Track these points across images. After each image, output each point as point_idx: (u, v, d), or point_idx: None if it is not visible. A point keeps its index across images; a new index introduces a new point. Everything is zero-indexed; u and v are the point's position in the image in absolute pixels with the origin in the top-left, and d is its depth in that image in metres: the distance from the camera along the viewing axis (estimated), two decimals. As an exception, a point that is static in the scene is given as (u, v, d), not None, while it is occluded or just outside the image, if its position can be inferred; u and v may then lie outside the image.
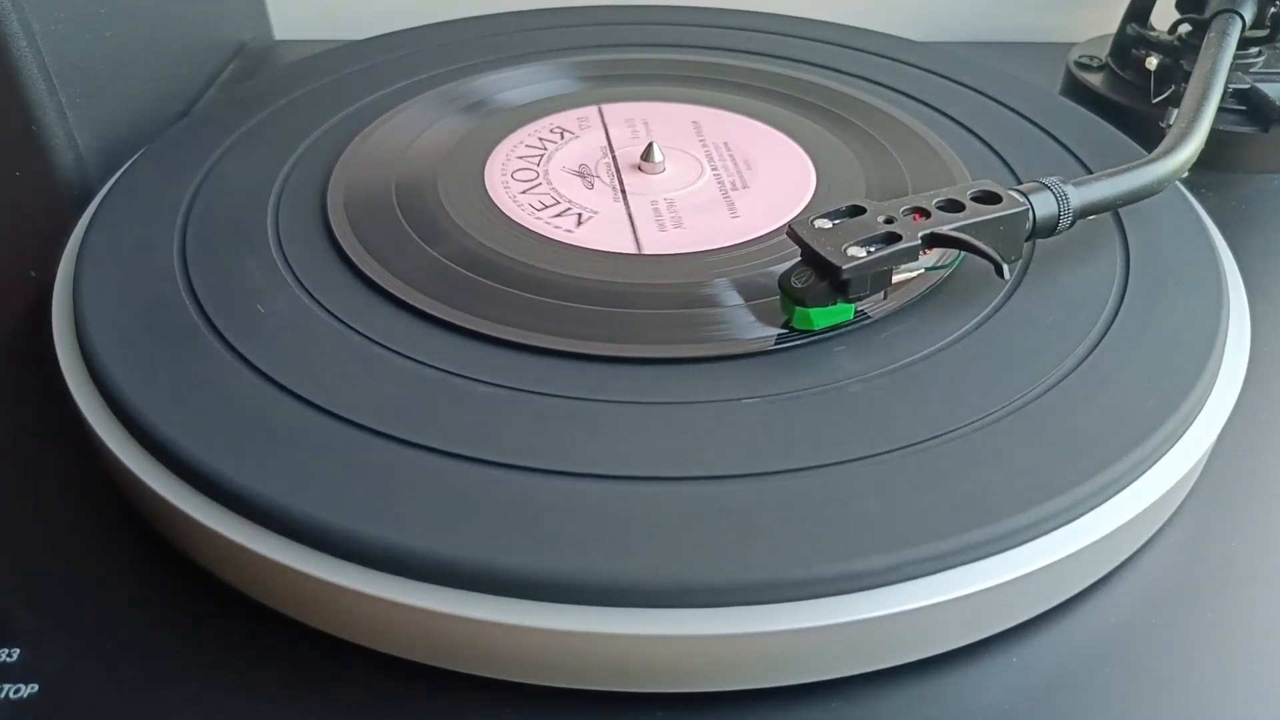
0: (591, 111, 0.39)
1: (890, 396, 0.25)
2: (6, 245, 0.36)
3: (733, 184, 0.34)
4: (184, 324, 0.27)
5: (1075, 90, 0.45)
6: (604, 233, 0.31)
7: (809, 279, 0.26)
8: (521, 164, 0.35)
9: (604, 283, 0.29)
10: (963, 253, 0.28)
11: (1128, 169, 0.30)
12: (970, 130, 0.38)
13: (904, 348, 0.27)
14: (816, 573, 0.21)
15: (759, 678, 0.22)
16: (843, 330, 0.27)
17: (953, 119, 0.39)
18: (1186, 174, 0.32)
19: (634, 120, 0.38)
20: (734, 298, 0.28)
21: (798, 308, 0.27)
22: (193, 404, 0.25)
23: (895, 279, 0.27)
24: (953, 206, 0.27)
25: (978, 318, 0.28)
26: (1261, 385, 0.29)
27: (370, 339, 0.27)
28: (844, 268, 0.25)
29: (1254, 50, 0.42)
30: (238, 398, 0.25)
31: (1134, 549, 0.25)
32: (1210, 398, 0.26)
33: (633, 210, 0.33)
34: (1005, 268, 0.26)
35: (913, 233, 0.26)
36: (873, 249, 0.26)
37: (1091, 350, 0.27)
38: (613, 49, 0.44)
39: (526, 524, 0.22)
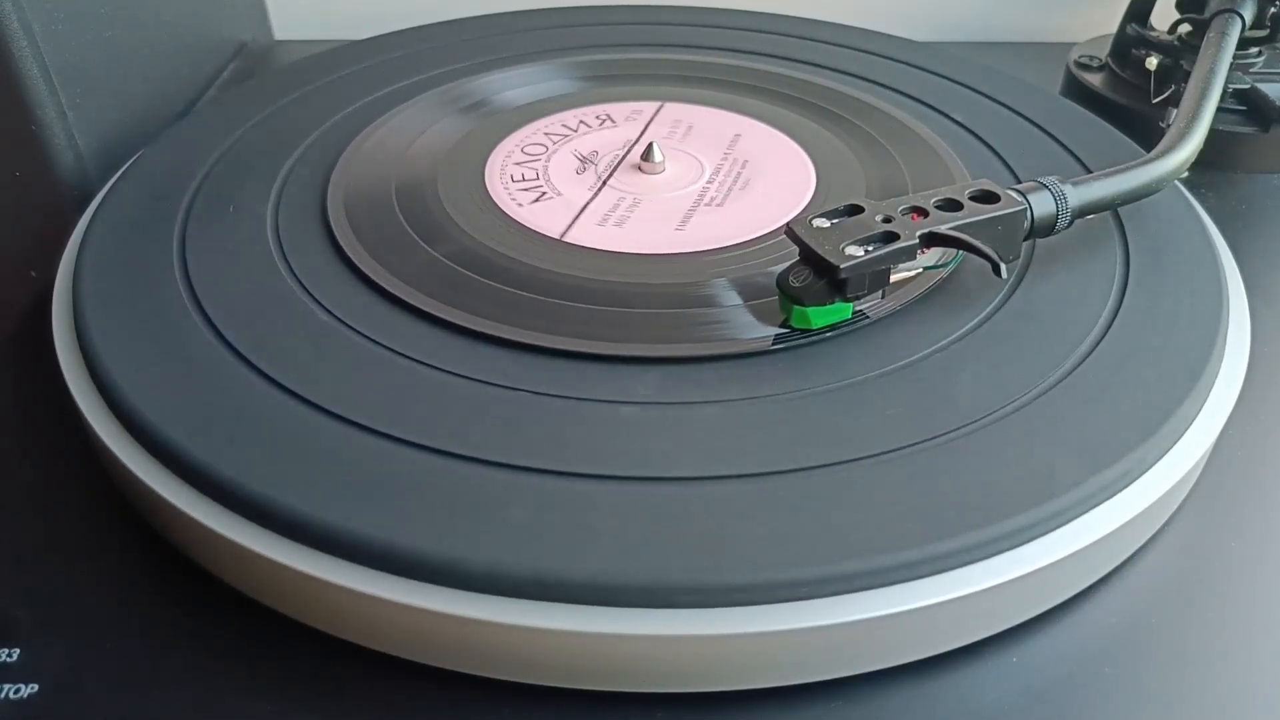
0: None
1: (889, 396, 0.25)
2: (6, 245, 0.36)
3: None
4: (184, 324, 0.27)
5: (1075, 90, 0.45)
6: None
7: (807, 278, 0.26)
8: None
9: (603, 282, 0.29)
10: (961, 252, 0.28)
11: (1126, 168, 0.30)
12: (970, 130, 0.38)
13: (903, 347, 0.27)
14: (817, 573, 0.21)
15: (759, 678, 0.22)
16: (841, 330, 0.27)
17: (953, 119, 0.38)
18: (1186, 174, 0.32)
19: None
20: (732, 297, 0.28)
21: (796, 307, 0.27)
22: (193, 404, 0.25)
23: (893, 278, 0.27)
24: (951, 206, 0.27)
25: (977, 318, 0.28)
26: (1261, 385, 0.29)
27: (370, 339, 0.27)
28: (841, 267, 0.25)
29: (1254, 50, 0.42)
30: (238, 397, 0.25)
31: (1134, 549, 0.25)
32: (1210, 398, 0.26)
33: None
34: (1003, 267, 0.26)
35: (910, 232, 0.26)
36: (870, 248, 0.26)
37: (1091, 350, 0.27)
38: (612, 49, 0.44)
39: (526, 524, 0.22)
